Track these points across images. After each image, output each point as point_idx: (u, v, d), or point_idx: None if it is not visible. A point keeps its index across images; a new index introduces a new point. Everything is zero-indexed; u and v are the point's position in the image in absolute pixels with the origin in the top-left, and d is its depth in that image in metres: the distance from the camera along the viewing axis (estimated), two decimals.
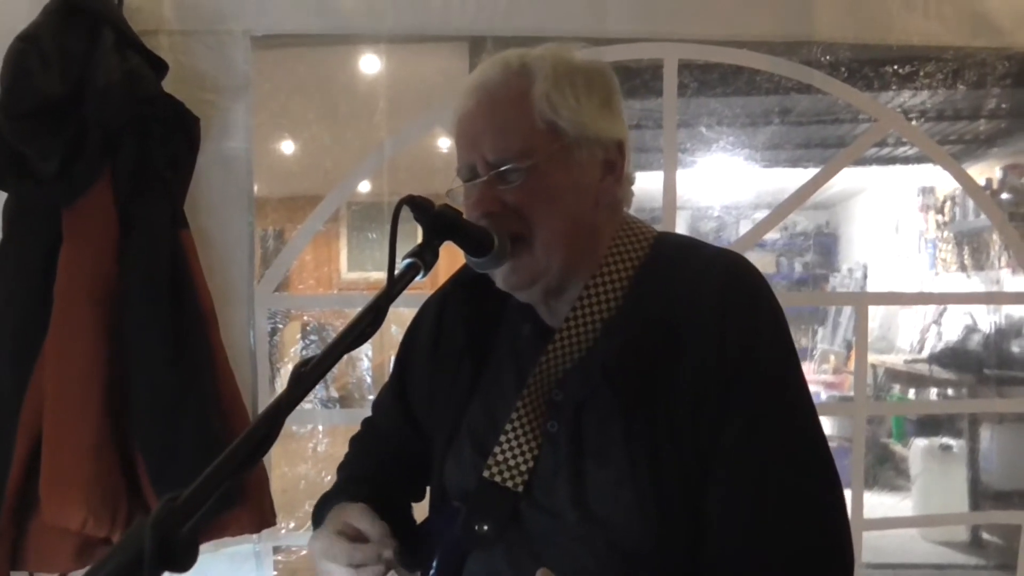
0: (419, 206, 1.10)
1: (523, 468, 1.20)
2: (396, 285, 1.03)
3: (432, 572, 1.24)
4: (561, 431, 1.19)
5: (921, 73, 3.07)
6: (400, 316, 1.44)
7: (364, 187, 2.65)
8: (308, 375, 0.89)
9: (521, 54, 1.25)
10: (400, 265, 1.06)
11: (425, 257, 1.08)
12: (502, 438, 1.21)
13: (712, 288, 1.17)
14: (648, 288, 1.22)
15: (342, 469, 1.51)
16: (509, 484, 1.20)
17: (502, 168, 1.20)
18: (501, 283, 1.25)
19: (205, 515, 0.76)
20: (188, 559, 0.71)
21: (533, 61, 1.23)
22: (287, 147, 3.89)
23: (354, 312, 0.99)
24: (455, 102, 1.27)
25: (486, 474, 1.21)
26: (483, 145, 1.21)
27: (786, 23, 2.38)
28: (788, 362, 1.19)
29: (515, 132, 1.20)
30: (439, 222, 1.11)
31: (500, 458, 1.21)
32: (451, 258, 1.23)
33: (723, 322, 1.14)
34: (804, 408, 1.18)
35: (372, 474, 1.45)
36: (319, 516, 1.34)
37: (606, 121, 1.25)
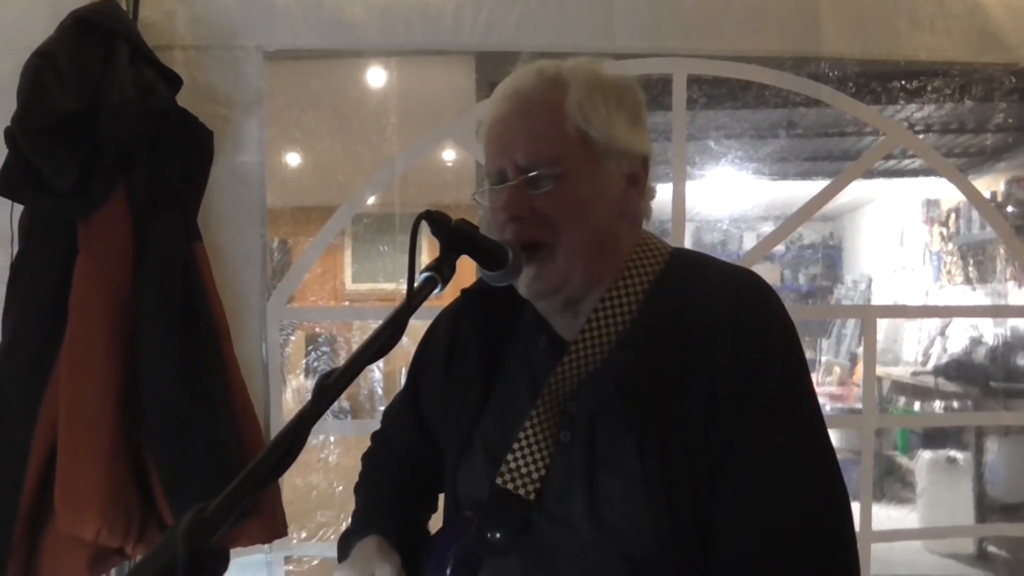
0: (436, 221, 1.12)
1: (535, 476, 1.21)
2: (415, 299, 1.05)
3: None
4: (574, 442, 1.21)
5: (928, 88, 3.09)
6: (411, 328, 1.46)
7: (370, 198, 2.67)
8: (331, 387, 0.91)
9: (556, 64, 1.26)
10: (418, 279, 1.08)
11: (442, 271, 1.10)
12: (515, 446, 1.23)
13: (725, 304, 1.19)
14: (662, 303, 1.23)
15: (358, 491, 1.52)
16: (521, 492, 1.21)
17: (532, 173, 1.21)
18: (524, 290, 1.26)
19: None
20: (218, 569, 0.73)
21: (568, 72, 1.25)
22: (299, 160, 3.90)
23: (363, 323, 1.01)
24: (487, 108, 1.29)
25: (499, 481, 1.22)
26: (515, 150, 1.23)
27: (794, 39, 2.39)
28: (799, 379, 1.20)
29: (547, 138, 1.22)
30: (456, 236, 1.13)
31: (513, 466, 1.22)
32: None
33: (736, 338, 1.16)
34: (814, 425, 1.19)
35: (388, 495, 1.47)
36: (344, 550, 1.36)
37: (634, 135, 1.26)
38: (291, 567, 2.74)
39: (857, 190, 6.51)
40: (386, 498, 1.46)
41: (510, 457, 1.23)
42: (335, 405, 0.98)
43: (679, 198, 2.44)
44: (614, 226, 1.26)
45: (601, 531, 1.17)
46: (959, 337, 5.69)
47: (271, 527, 2.18)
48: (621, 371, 1.19)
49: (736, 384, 1.14)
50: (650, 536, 1.14)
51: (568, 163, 1.21)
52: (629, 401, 1.17)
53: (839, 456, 1.20)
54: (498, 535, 1.22)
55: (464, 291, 1.43)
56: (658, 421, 1.15)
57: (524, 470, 1.22)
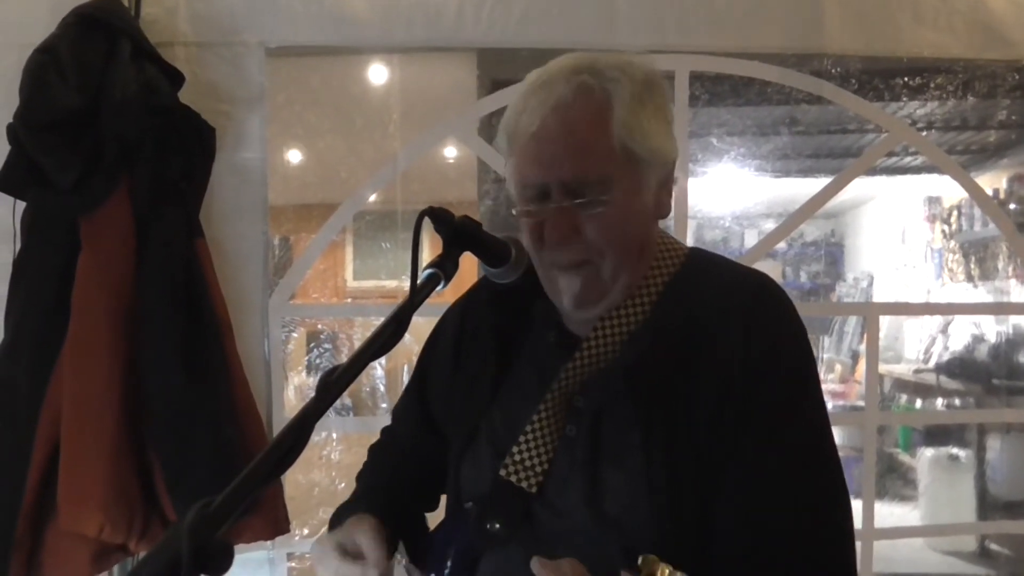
0: (439, 217, 1.12)
1: (538, 469, 1.22)
2: (417, 295, 1.05)
3: (446, 572, 1.27)
4: (579, 436, 1.21)
5: (931, 85, 3.09)
6: (413, 325, 1.46)
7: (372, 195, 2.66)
8: (334, 384, 0.91)
9: (595, 70, 1.21)
10: (420, 276, 1.08)
11: (445, 268, 1.10)
12: (520, 438, 1.23)
13: (738, 304, 1.20)
14: (676, 301, 1.24)
15: (360, 478, 1.52)
16: (524, 484, 1.22)
17: (580, 200, 1.18)
18: (567, 302, 1.25)
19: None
20: (223, 564, 0.73)
21: (610, 83, 1.20)
22: (300, 156, 3.90)
23: (364, 320, 1.01)
24: (520, 117, 1.23)
25: (502, 473, 1.23)
26: (560, 169, 1.19)
27: (797, 35, 2.39)
28: (807, 381, 1.21)
29: (594, 157, 1.18)
30: (459, 233, 1.13)
31: (517, 458, 1.23)
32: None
33: (746, 339, 1.16)
34: (819, 427, 1.20)
35: (388, 483, 1.46)
36: (336, 523, 1.36)
37: (668, 141, 1.25)
38: (293, 564, 2.73)
39: (859, 187, 6.50)
40: (384, 487, 1.45)
41: (515, 450, 1.23)
42: (337, 402, 0.98)
43: (681, 195, 2.44)
44: (648, 228, 1.27)
45: (601, 523, 1.17)
46: (961, 335, 5.68)
47: (273, 524, 2.19)
48: (630, 368, 1.20)
49: (744, 385, 1.15)
50: (652, 530, 1.14)
51: (615, 183, 1.19)
52: (637, 396, 1.18)
53: (841, 453, 1.20)
54: (497, 526, 1.22)
55: (472, 288, 1.43)
56: (665, 418, 1.16)
57: (528, 463, 1.22)
